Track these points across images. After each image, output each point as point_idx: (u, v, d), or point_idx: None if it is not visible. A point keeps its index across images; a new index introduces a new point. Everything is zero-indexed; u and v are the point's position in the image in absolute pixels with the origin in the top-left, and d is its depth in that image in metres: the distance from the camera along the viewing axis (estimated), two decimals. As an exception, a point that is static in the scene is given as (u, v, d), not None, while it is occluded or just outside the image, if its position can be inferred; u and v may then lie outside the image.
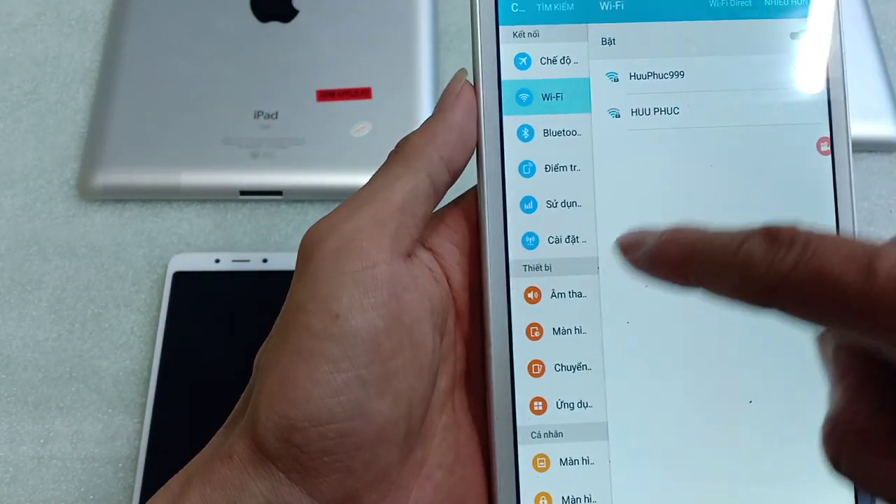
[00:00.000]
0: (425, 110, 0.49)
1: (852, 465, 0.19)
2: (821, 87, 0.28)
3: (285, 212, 0.49)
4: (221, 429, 0.26)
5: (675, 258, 0.19)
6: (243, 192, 0.48)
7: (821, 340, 0.21)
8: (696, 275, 0.19)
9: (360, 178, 0.49)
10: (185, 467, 0.25)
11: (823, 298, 0.17)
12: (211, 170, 0.48)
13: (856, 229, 0.28)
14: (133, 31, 0.52)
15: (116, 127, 0.49)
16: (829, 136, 0.28)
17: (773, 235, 0.18)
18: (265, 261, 0.46)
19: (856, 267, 0.17)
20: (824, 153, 0.28)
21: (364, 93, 0.50)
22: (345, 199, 0.51)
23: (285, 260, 0.46)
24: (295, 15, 0.52)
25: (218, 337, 0.44)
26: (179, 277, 0.45)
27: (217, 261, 0.46)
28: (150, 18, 0.52)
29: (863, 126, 0.49)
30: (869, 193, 0.50)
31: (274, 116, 0.49)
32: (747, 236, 0.18)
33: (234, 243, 0.48)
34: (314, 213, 0.48)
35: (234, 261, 0.46)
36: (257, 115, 0.49)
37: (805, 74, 0.28)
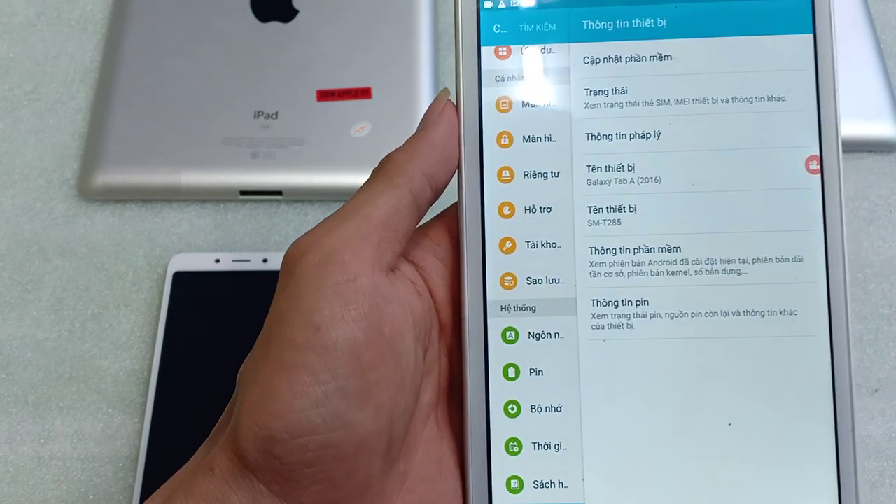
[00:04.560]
0: (425, 110, 0.49)
1: None
2: (811, 104, 0.28)
3: (285, 212, 0.49)
4: (205, 442, 0.26)
5: None
6: (243, 192, 0.48)
7: None
8: None
9: (360, 179, 0.49)
10: (168, 481, 0.25)
11: None
12: (211, 170, 0.48)
13: (845, 249, 0.27)
14: (133, 31, 0.52)
15: (116, 127, 0.49)
16: (818, 154, 0.27)
17: None
18: (265, 261, 0.46)
19: None
20: (813, 172, 0.27)
21: (364, 93, 0.50)
22: (345, 199, 0.51)
23: (285, 260, 0.46)
24: (295, 15, 0.52)
25: (218, 337, 0.44)
26: (179, 277, 0.45)
27: (217, 261, 0.46)
28: (150, 18, 0.52)
29: (863, 126, 0.49)
30: (869, 193, 0.50)
31: (274, 116, 0.49)
32: None
33: (234, 243, 0.48)
34: (314, 213, 0.48)
35: (234, 261, 0.46)
36: (257, 115, 0.49)
37: (795, 91, 0.28)
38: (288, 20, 0.52)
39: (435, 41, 0.52)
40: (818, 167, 0.27)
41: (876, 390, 0.44)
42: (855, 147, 0.50)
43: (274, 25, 0.52)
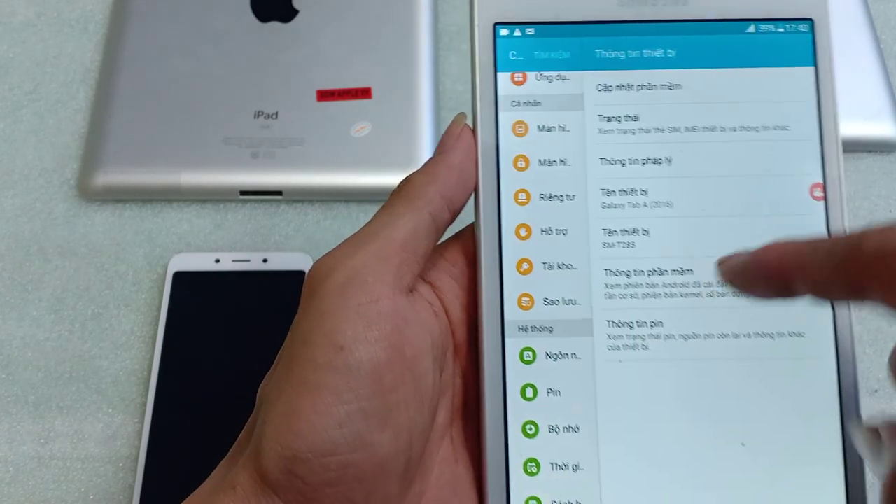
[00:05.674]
0: (425, 110, 0.49)
1: None
2: (814, 133, 0.28)
3: (285, 212, 0.49)
4: (224, 460, 0.26)
5: (771, 261, 0.21)
6: (243, 192, 0.48)
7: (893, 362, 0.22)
8: (792, 271, 0.21)
9: (360, 178, 0.50)
10: (189, 499, 0.25)
11: None
12: (211, 170, 0.48)
13: None
14: (133, 31, 0.52)
15: (116, 127, 0.49)
16: (822, 181, 0.28)
17: (859, 233, 0.19)
18: (265, 261, 0.46)
19: None
20: (817, 198, 0.28)
21: (364, 93, 0.50)
22: (345, 199, 0.51)
23: (285, 260, 0.46)
24: (295, 15, 0.52)
25: (218, 337, 0.44)
26: (179, 277, 0.45)
27: (217, 261, 0.46)
28: (150, 18, 0.52)
29: (863, 126, 0.49)
30: (869, 193, 0.50)
31: (274, 116, 0.49)
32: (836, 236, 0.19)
33: (234, 243, 0.48)
34: (314, 213, 0.48)
35: (234, 261, 0.46)
36: (257, 115, 0.49)
37: (798, 121, 0.28)
38: (288, 20, 0.52)
39: (435, 41, 0.52)
40: (822, 194, 0.28)
41: (876, 390, 0.44)
42: (855, 147, 0.50)
43: (274, 25, 0.52)
